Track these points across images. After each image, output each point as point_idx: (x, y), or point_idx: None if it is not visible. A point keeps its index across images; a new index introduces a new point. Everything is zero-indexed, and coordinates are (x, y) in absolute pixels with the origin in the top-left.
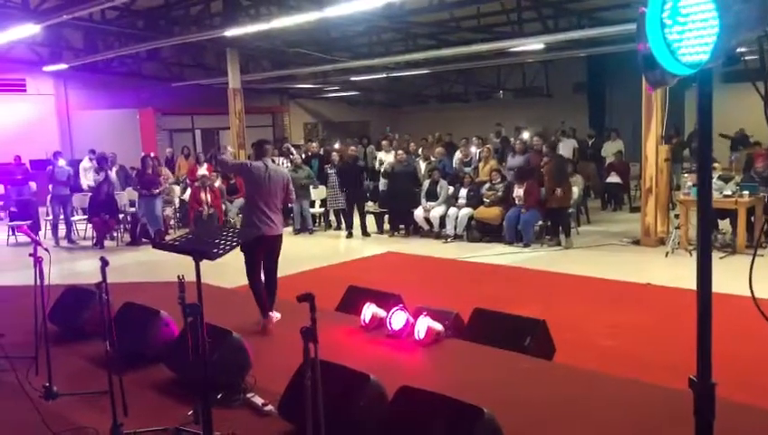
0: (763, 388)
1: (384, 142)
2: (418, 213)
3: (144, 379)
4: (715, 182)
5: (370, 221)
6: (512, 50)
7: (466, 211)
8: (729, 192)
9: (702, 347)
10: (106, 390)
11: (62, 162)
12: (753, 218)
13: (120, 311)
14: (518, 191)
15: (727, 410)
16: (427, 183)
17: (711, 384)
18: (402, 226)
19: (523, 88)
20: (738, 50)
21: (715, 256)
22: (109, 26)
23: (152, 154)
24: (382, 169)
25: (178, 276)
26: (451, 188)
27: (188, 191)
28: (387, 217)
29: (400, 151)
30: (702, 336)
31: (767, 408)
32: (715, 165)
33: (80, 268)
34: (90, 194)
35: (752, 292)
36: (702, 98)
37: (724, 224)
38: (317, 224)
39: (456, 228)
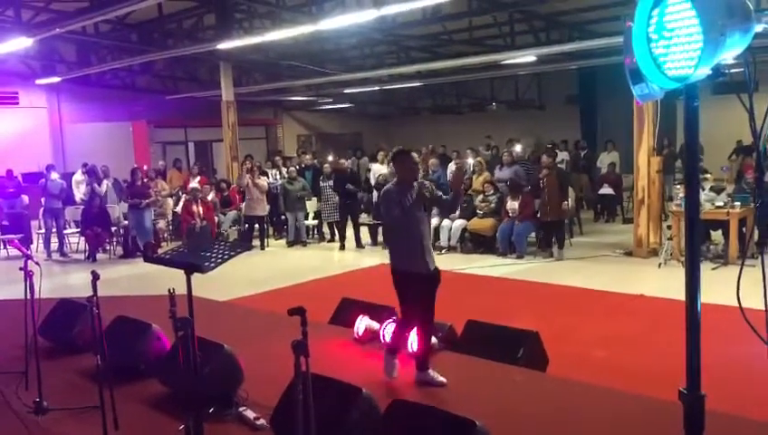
0: (752, 399)
1: (380, 154)
2: None
3: (135, 393)
4: (707, 193)
5: (364, 233)
6: (504, 62)
7: (460, 223)
8: (721, 203)
9: (691, 360)
10: (97, 404)
11: (54, 175)
12: (744, 229)
13: (112, 324)
14: (512, 204)
15: (717, 421)
16: None
17: (700, 396)
18: None
19: (515, 100)
20: (725, 63)
21: (707, 267)
22: (102, 39)
23: (145, 167)
24: (374, 181)
25: (169, 290)
26: None
27: (181, 203)
28: (380, 228)
29: None
30: (691, 349)
31: (756, 419)
32: (707, 176)
33: (72, 281)
34: (82, 207)
35: (739, 303)
36: (689, 112)
37: (717, 235)
38: (310, 236)
39: (449, 240)
